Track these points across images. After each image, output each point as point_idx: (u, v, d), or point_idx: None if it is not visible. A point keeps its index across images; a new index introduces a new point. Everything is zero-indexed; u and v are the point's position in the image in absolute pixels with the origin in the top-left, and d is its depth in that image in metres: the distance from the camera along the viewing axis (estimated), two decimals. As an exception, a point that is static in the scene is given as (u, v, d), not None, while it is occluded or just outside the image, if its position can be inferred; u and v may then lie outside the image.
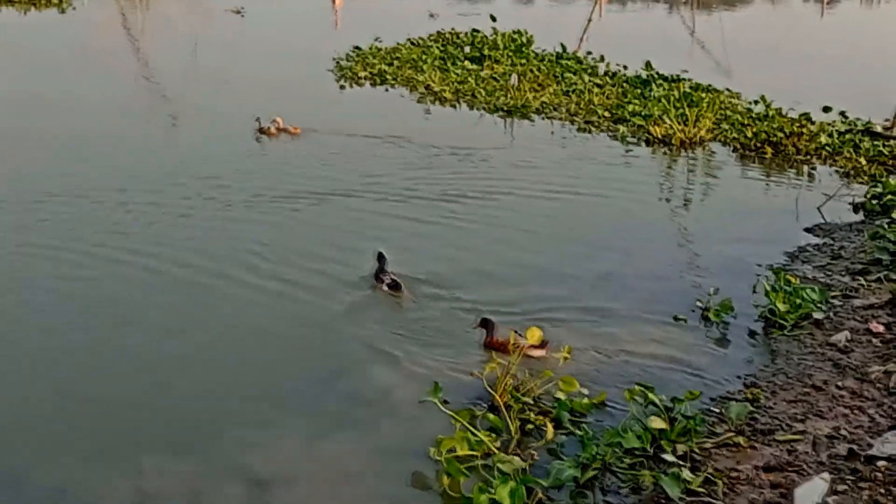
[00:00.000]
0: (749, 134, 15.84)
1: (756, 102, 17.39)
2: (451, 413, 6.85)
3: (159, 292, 9.57)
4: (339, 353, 8.29)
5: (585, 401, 7.22)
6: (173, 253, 10.47)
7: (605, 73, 21.20)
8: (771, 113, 16.64)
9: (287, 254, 10.57)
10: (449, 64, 22.11)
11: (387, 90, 20.43)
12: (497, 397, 7.23)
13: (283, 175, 13.69)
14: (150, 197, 12.37)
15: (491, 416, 7.04)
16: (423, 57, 22.77)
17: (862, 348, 8.18)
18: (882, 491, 5.83)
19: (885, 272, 9.82)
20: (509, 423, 6.94)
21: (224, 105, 18.13)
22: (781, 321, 8.71)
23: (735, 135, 16.08)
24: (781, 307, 8.76)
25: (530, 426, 7.01)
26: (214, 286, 9.73)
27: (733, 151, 15.71)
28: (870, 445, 6.40)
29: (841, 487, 5.90)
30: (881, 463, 6.13)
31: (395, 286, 9.47)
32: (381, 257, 9.72)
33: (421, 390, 7.30)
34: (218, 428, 7.10)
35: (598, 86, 19.80)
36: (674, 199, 13.41)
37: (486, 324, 8.36)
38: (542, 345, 7.96)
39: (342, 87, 20.83)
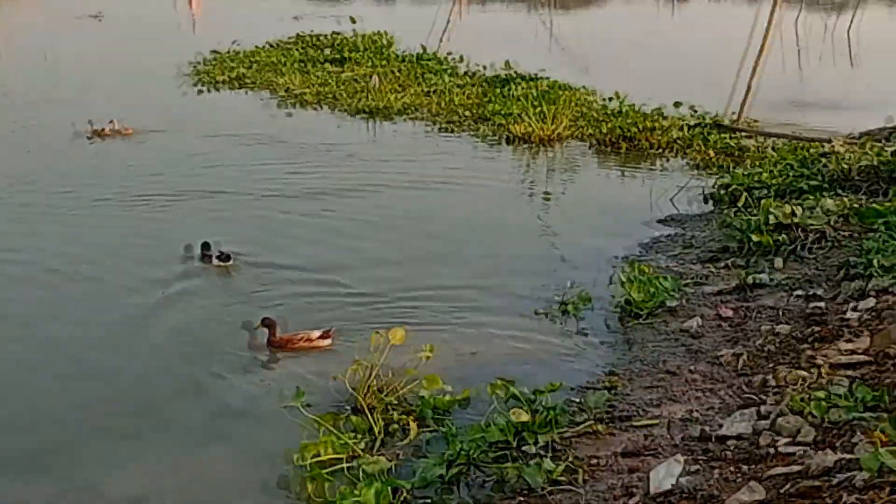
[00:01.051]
0: (605, 129, 16.25)
1: (611, 99, 17.86)
2: (314, 417, 6.80)
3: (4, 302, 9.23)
4: (200, 363, 8.12)
5: (448, 398, 7.28)
6: (15, 267, 10.08)
7: (466, 73, 21.42)
8: (625, 109, 17.12)
9: (129, 259, 10.38)
10: (310, 66, 21.96)
11: (246, 93, 20.16)
12: (361, 399, 7.22)
13: (121, 176, 13.54)
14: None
15: (354, 418, 7.02)
16: (283, 59, 22.56)
17: (713, 333, 8.48)
18: (732, 469, 6.04)
19: (733, 259, 10.22)
20: (373, 423, 6.93)
21: (71, 110, 17.42)
22: (637, 310, 8.97)
23: (592, 131, 16.48)
24: (637, 297, 9.02)
25: (394, 426, 7.02)
26: (62, 296, 9.46)
27: (590, 147, 16.11)
28: (720, 426, 6.64)
29: (694, 467, 6.09)
30: (731, 442, 6.35)
31: (224, 258, 10.04)
32: (205, 245, 10.26)
33: (285, 396, 7.22)
34: (77, 446, 6.88)
35: (459, 86, 19.98)
36: (534, 195, 13.67)
37: (267, 323, 8.45)
38: (326, 335, 8.39)
39: (199, 92, 20.41)
